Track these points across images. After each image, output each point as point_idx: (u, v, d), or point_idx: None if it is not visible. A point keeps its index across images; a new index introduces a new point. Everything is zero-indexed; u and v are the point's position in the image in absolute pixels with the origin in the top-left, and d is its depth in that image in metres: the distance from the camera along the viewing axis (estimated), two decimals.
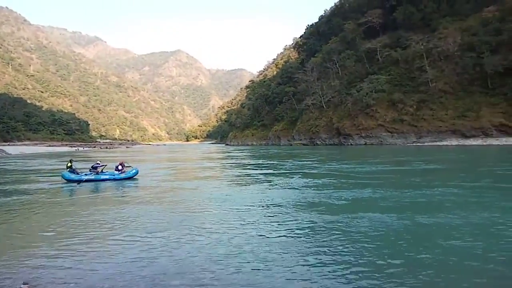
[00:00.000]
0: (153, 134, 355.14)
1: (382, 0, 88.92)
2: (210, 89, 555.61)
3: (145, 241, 7.35)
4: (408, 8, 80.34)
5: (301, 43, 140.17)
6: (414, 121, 68.40)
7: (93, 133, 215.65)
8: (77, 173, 18.97)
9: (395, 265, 5.73)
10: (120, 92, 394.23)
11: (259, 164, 30.11)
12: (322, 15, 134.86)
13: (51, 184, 18.12)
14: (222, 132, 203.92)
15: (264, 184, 16.39)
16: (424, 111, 68.02)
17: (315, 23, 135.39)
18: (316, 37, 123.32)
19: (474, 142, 57.17)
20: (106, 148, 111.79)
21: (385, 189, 13.23)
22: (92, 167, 19.55)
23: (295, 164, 28.76)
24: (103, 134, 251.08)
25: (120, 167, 20.07)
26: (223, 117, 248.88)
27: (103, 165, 19.82)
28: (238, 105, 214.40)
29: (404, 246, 6.65)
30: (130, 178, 19.71)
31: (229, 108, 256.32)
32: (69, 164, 19.35)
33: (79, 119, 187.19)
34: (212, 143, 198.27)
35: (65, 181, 18.39)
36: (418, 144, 63.98)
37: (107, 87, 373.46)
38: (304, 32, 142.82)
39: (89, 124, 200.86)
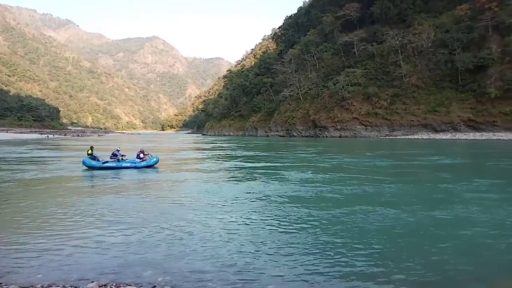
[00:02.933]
0: (127, 122, 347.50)
1: None
2: (187, 77, 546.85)
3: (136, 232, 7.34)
4: (384, 3, 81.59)
5: (279, 34, 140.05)
6: (387, 114, 70.18)
7: (64, 120, 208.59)
8: (98, 160, 19.18)
9: (389, 258, 5.91)
10: (93, 78, 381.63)
11: (244, 155, 30.08)
12: (301, 6, 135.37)
13: (78, 171, 18.44)
14: (199, 122, 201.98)
15: (254, 176, 16.47)
16: (397, 105, 69.91)
17: (293, 14, 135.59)
18: (294, 29, 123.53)
19: (444, 136, 59.35)
20: (78, 136, 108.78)
21: (373, 183, 13.60)
22: (112, 153, 19.84)
23: (278, 156, 29.06)
24: (75, 121, 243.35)
25: (141, 155, 20.12)
26: (200, 106, 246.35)
27: (123, 154, 20.07)
28: (216, 94, 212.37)
29: (400, 239, 6.86)
30: (150, 166, 19.78)
31: (206, 98, 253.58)
32: (89, 151, 19.63)
33: (49, 105, 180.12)
34: (188, 133, 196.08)
35: (86, 168, 18.72)
36: (391, 137, 65.77)
37: (79, 73, 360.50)
38: (283, 23, 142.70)
39: (59, 111, 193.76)
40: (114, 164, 19.10)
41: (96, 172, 18.07)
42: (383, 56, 78.60)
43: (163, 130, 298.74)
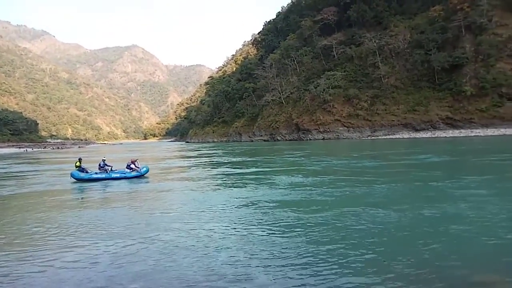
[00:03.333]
0: (108, 132, 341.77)
1: None
2: (168, 85, 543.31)
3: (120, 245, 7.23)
4: (361, 6, 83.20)
5: (259, 39, 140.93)
6: (368, 115, 71.37)
7: (43, 133, 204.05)
8: (87, 172, 19.02)
9: (380, 258, 5.97)
10: (72, 89, 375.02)
11: (232, 162, 29.90)
12: (279, 11, 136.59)
13: (60, 185, 18.12)
14: (182, 130, 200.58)
15: (243, 183, 16.41)
16: (378, 106, 71.20)
17: (272, 19, 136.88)
18: (274, 34, 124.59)
19: (424, 134, 60.68)
20: (58, 148, 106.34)
21: (363, 184, 13.79)
22: (99, 165, 19.54)
23: (265, 160, 29.14)
24: (54, 133, 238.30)
25: (132, 166, 19.90)
26: (182, 114, 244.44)
27: (110, 165, 19.81)
28: (198, 101, 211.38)
29: (391, 238, 6.92)
30: (140, 176, 19.66)
31: (188, 105, 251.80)
32: (77, 163, 19.41)
33: (26, 118, 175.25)
34: (171, 141, 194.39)
35: (75, 180, 18.53)
36: (372, 137, 66.83)
37: (56, 84, 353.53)
38: (262, 29, 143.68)
39: (37, 124, 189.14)
40: (103, 176, 18.86)
41: (84, 185, 17.79)
42: (361, 58, 80.00)
43: (145, 139, 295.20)
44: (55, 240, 8.01)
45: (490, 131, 53.69)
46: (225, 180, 17.70)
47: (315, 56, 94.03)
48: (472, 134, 53.68)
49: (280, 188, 13.85)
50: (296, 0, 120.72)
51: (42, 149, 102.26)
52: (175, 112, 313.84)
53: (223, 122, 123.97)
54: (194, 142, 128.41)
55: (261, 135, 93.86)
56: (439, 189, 12.21)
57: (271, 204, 10.92)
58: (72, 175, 18.62)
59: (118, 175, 19.12)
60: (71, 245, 7.58)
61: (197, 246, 7.13)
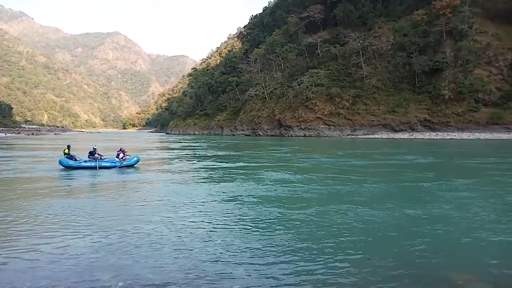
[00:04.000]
0: (86, 120, 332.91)
1: None
2: (150, 75, 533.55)
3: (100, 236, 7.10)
4: (347, 6, 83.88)
5: (245, 33, 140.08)
6: (349, 114, 72.36)
7: (17, 118, 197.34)
8: (75, 159, 18.70)
9: (364, 256, 6.07)
10: (49, 74, 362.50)
11: (217, 155, 29.66)
12: (266, 6, 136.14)
13: (47, 171, 17.73)
14: (163, 121, 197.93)
15: (230, 177, 16.38)
16: (359, 105, 72.27)
17: (259, 14, 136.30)
18: (260, 28, 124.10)
19: (402, 135, 62.05)
20: (33, 134, 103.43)
21: (352, 182, 13.99)
22: (89, 152, 19.19)
23: (251, 155, 29.15)
24: (29, 119, 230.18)
25: (121, 155, 19.60)
26: (164, 104, 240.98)
27: (101, 154, 19.52)
28: (180, 93, 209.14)
29: (375, 237, 7.05)
30: (131, 165, 19.51)
31: (170, 96, 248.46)
32: (66, 150, 19.03)
33: (0, 102, 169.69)
34: (151, 132, 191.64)
35: (63, 167, 18.24)
36: (352, 136, 67.83)
37: (33, 68, 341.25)
38: (248, 23, 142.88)
39: (12, 108, 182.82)
40: (93, 164, 18.55)
41: (72, 172, 17.43)
42: (345, 58, 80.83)
43: (124, 128, 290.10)
44: (30, 229, 7.80)
45: (465, 135, 55.49)
46: (210, 174, 17.65)
47: (299, 53, 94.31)
48: (448, 137, 55.28)
49: (265, 184, 13.88)
50: None
51: (16, 134, 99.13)
52: (156, 102, 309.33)
53: (205, 115, 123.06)
54: (174, 134, 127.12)
55: (243, 130, 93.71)
56: (424, 189, 12.61)
57: (256, 200, 10.95)
58: (60, 163, 18.34)
59: (108, 164, 18.93)
60: (45, 234, 7.39)
61: (177, 239, 7.07)
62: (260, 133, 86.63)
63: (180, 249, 6.53)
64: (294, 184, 13.75)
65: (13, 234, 7.50)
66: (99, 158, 19.04)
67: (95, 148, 19.50)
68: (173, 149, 40.43)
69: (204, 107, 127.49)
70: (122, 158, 19.53)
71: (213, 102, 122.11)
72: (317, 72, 79.50)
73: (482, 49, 61.97)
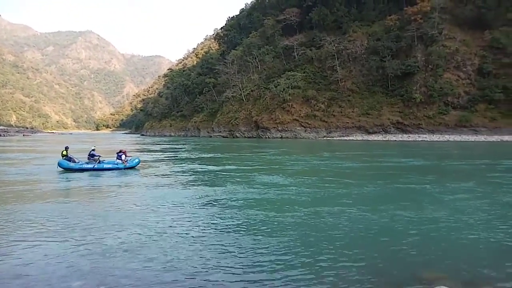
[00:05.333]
0: (57, 121, 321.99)
1: (300, 0, 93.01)
2: (125, 75, 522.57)
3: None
4: (322, 10, 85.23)
5: (222, 35, 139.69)
6: (325, 117, 73.52)
7: None
8: (75, 161, 18.37)
9: (354, 258, 6.17)
10: (18, 73, 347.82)
11: (203, 158, 29.22)
12: (243, 8, 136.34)
13: (46, 174, 17.31)
14: (137, 122, 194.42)
15: (215, 180, 16.27)
16: (334, 108, 73.58)
17: (236, 15, 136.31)
18: (237, 30, 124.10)
19: (376, 137, 63.58)
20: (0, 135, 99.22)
21: (340, 184, 14.20)
22: (89, 154, 18.94)
23: (236, 157, 29.08)
24: None
25: (124, 156, 19.37)
26: (139, 105, 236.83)
27: (99, 155, 19.19)
28: (155, 93, 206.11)
29: (362, 238, 7.15)
30: (132, 167, 19.31)
31: (145, 97, 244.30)
32: (64, 152, 18.63)
33: None
34: (126, 133, 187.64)
35: (62, 170, 17.89)
36: (328, 138, 68.94)
37: (1, 67, 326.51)
38: (225, 24, 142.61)
39: None
40: (94, 166, 18.32)
41: (71, 175, 17.04)
42: (321, 61, 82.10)
43: (97, 130, 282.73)
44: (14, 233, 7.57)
45: (435, 137, 57.50)
46: (194, 177, 17.42)
47: (276, 56, 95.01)
48: (420, 139, 57.14)
49: (255, 187, 13.82)
50: None
51: None
52: (130, 103, 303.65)
53: (182, 116, 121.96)
54: (150, 135, 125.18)
55: (220, 131, 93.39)
56: (413, 191, 13.00)
57: (243, 203, 10.96)
58: (60, 165, 17.99)
59: (110, 166, 18.79)
60: (20, 241, 7.18)
61: (165, 245, 7.01)
62: (238, 134, 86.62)
63: (160, 253, 6.48)
64: (282, 187, 13.80)
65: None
66: (98, 159, 18.90)
67: (94, 150, 19.43)
68: (154, 151, 39.36)
69: (181, 108, 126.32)
70: (125, 160, 19.42)
71: (190, 103, 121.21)
72: (294, 75, 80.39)
73: (451, 54, 64.42)
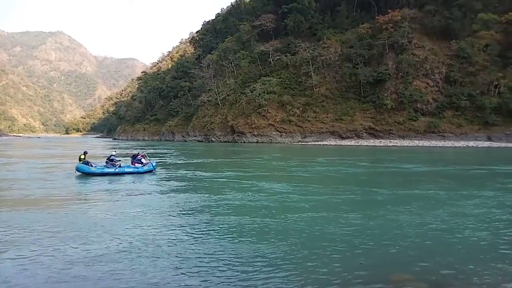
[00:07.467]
0: (24, 124, 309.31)
1: (275, 6, 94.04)
2: (97, 77, 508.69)
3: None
4: (297, 17, 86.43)
5: (197, 39, 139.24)
6: (300, 122, 74.45)
7: None
8: (91, 165, 18.19)
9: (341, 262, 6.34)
10: None
11: (189, 163, 28.68)
12: (219, 13, 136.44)
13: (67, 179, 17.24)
14: (110, 126, 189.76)
15: (200, 186, 16.04)
16: (309, 113, 74.66)
17: (211, 20, 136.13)
18: (212, 34, 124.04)
19: (349, 142, 65.01)
20: None
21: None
22: (108, 159, 19.02)
23: (220, 163, 28.90)
24: None
25: (143, 160, 19.66)
26: (111, 109, 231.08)
27: (119, 159, 19.44)
28: (129, 97, 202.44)
29: (348, 243, 7.35)
30: (150, 171, 19.42)
31: (118, 100, 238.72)
32: (82, 156, 18.50)
33: None
34: (97, 137, 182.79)
35: (83, 174, 17.90)
36: (303, 143, 69.76)
37: None
38: (201, 28, 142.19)
39: None
40: (116, 170, 18.36)
41: (89, 180, 16.91)
42: (296, 67, 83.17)
43: (67, 133, 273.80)
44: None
45: (406, 142, 59.53)
46: (179, 183, 16.96)
47: (252, 61, 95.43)
48: (391, 144, 58.94)
49: (243, 192, 13.74)
50: (236, 3, 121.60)
51: None
52: (102, 106, 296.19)
53: (156, 120, 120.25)
54: (122, 140, 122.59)
55: (195, 136, 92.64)
56: (417, 196, 13.35)
57: (232, 209, 10.87)
58: (79, 169, 17.79)
59: (131, 170, 18.92)
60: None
61: (152, 253, 6.86)
62: (213, 139, 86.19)
63: (160, 264, 6.40)
64: (268, 193, 13.80)
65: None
66: (118, 164, 18.92)
67: (114, 154, 19.58)
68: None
69: (155, 112, 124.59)
70: (142, 163, 19.65)
71: (164, 107, 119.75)
72: (269, 80, 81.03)
73: (420, 63, 66.99)
